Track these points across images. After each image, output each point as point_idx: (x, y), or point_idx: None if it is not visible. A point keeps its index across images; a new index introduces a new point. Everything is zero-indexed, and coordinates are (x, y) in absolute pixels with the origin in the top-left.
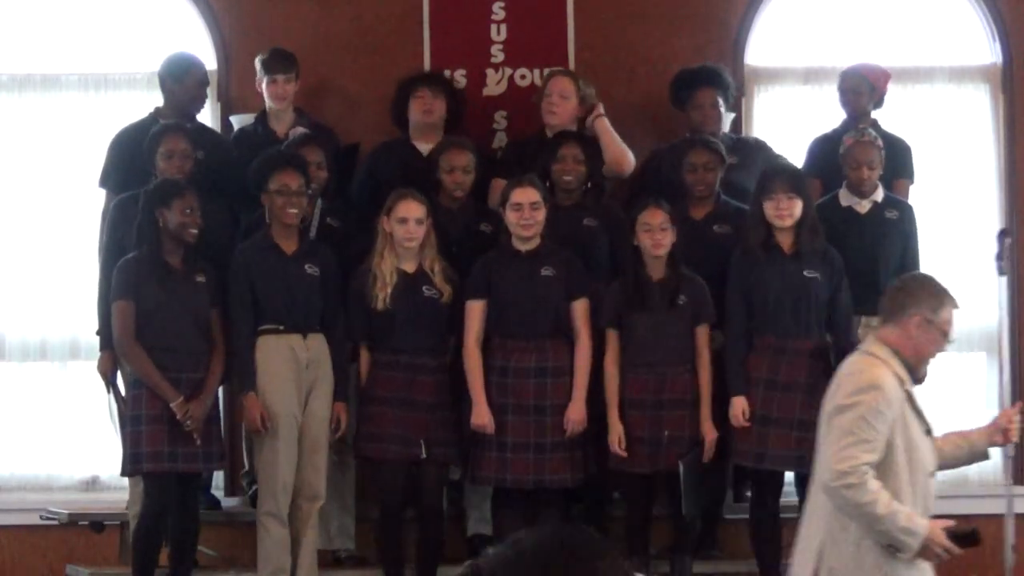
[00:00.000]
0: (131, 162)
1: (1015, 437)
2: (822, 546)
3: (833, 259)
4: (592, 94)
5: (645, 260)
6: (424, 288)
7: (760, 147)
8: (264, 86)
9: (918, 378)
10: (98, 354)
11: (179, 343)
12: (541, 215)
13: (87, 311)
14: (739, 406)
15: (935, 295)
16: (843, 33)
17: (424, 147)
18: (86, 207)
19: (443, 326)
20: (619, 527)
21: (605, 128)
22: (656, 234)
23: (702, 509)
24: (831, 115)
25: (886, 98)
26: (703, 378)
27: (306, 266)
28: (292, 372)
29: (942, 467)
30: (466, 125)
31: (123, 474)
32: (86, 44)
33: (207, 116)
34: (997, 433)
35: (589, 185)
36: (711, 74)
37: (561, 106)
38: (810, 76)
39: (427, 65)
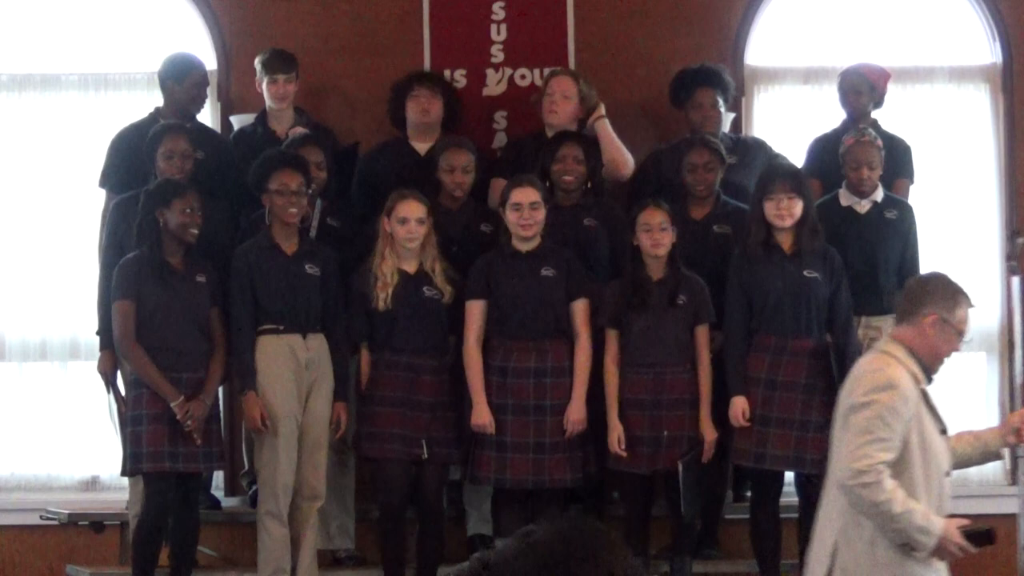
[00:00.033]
0: (131, 162)
1: None
2: (835, 545)
3: (833, 259)
4: (593, 95)
5: (645, 260)
6: (425, 288)
7: (760, 146)
8: (264, 86)
9: (933, 377)
10: (98, 354)
11: (179, 343)
12: (541, 215)
13: (87, 311)
14: (739, 406)
15: (951, 294)
16: (843, 33)
17: (421, 147)
18: (86, 207)
19: (444, 326)
20: (618, 527)
21: (606, 130)
22: (656, 234)
23: (701, 509)
24: (831, 115)
25: (886, 98)
26: (703, 378)
27: (306, 266)
28: (292, 372)
29: (956, 466)
30: (466, 125)
31: (123, 474)
32: (86, 44)
33: (207, 116)
34: (1010, 433)
35: (589, 185)
36: (711, 74)
37: (562, 105)
38: (810, 76)
39: (427, 65)
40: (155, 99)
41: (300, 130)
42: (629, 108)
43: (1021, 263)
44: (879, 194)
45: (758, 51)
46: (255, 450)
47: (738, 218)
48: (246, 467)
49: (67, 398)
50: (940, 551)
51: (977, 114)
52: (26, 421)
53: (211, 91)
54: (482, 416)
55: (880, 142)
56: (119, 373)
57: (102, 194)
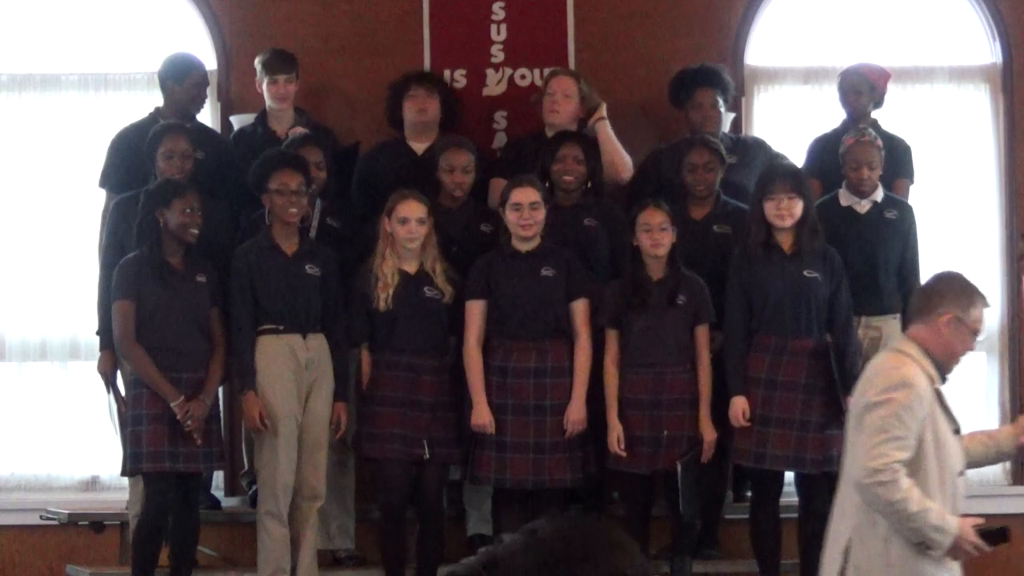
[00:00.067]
0: (131, 162)
1: None
2: (849, 543)
3: (833, 259)
4: (594, 95)
5: (645, 260)
6: (425, 288)
7: (759, 146)
8: (265, 86)
9: (947, 377)
10: (98, 354)
11: (179, 343)
12: (540, 215)
13: (87, 311)
14: (739, 406)
15: (966, 294)
16: (843, 33)
17: (419, 146)
18: (86, 207)
19: (444, 326)
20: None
21: (606, 132)
22: (655, 234)
23: (700, 509)
24: (831, 115)
25: (886, 98)
26: (702, 378)
27: (306, 266)
28: (292, 372)
29: (969, 466)
30: (466, 125)
31: (123, 474)
32: (86, 44)
33: (207, 116)
34: (1023, 433)
35: (589, 185)
36: (710, 74)
37: (564, 105)
38: (810, 76)
39: (427, 65)
40: (155, 99)
41: (300, 130)
42: (629, 108)
43: None
44: (879, 194)
45: (758, 51)
46: (255, 450)
47: (738, 218)
48: (246, 467)
49: (67, 398)
50: (955, 550)
51: (977, 114)
52: (26, 421)
53: (211, 91)
54: (482, 416)
55: (880, 142)
56: (119, 373)
57: (102, 194)
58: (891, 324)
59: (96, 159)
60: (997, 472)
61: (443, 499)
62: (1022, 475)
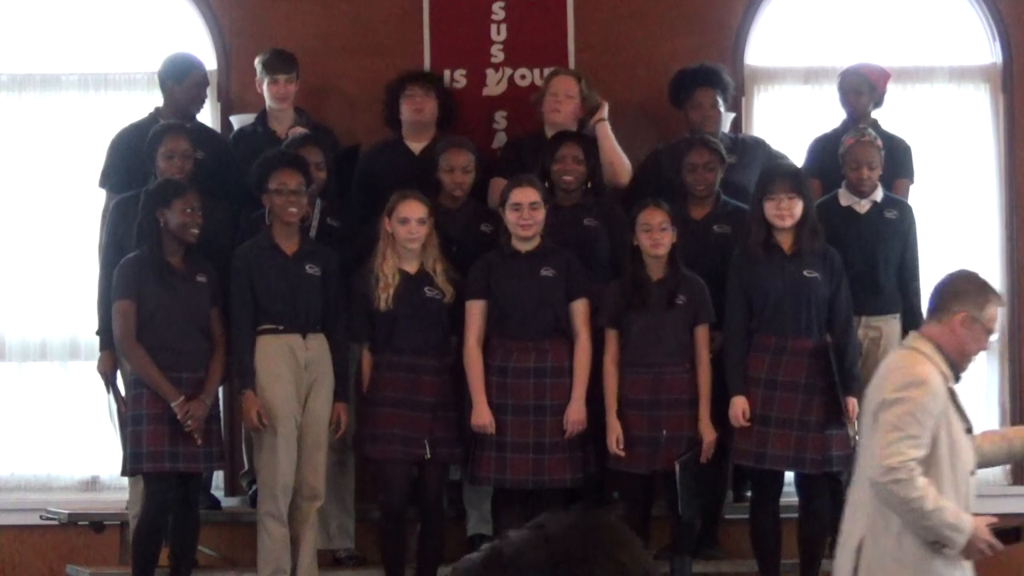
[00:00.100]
0: (131, 162)
1: None
2: (862, 542)
3: (833, 259)
4: (594, 95)
5: (644, 260)
6: (426, 288)
7: (759, 145)
8: (265, 86)
9: (960, 375)
10: (98, 354)
11: (180, 343)
12: (540, 215)
13: (87, 311)
14: (739, 406)
15: (981, 292)
16: (843, 33)
17: (416, 146)
18: (86, 207)
19: (445, 326)
20: None
21: (606, 135)
22: (655, 234)
23: (699, 509)
24: (831, 115)
25: (886, 98)
26: (702, 378)
27: (307, 266)
28: (291, 372)
29: (980, 466)
30: (466, 125)
31: (123, 474)
32: (86, 44)
33: (207, 116)
34: None
35: (589, 185)
36: (710, 73)
37: (566, 105)
38: (810, 76)
39: (427, 65)
40: (155, 99)
41: (300, 130)
42: (629, 108)
43: None
44: (879, 194)
45: (758, 51)
46: (255, 450)
47: (738, 218)
48: (246, 467)
49: (67, 398)
50: (969, 549)
51: (977, 114)
52: (26, 421)
53: (211, 91)
54: (482, 416)
55: (880, 142)
56: (119, 373)
57: (102, 194)
58: (891, 324)
59: (96, 159)
60: (997, 472)
61: (443, 499)
62: (1022, 475)
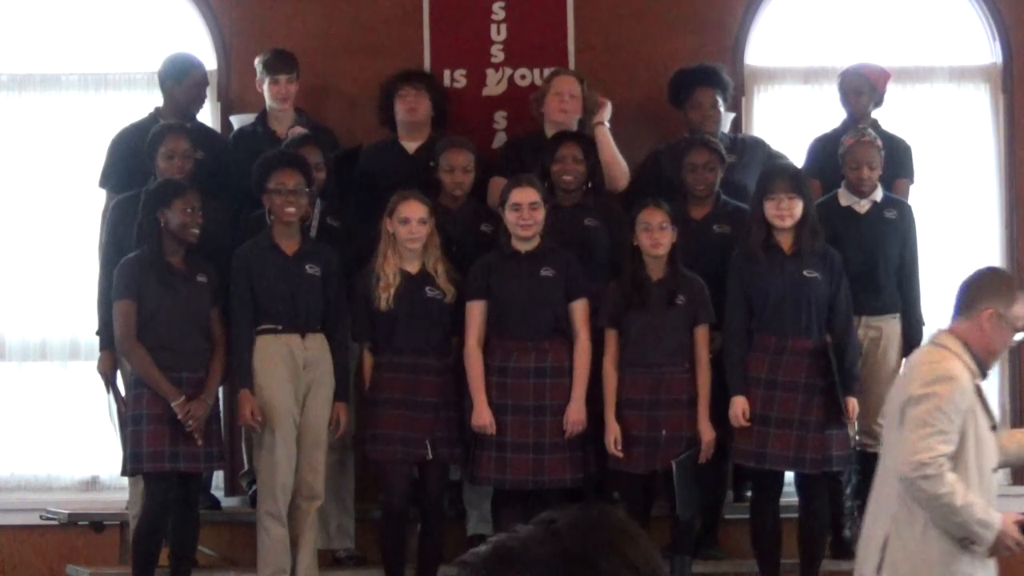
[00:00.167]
0: (131, 162)
1: None
2: (886, 539)
3: (833, 259)
4: (593, 95)
5: (644, 260)
6: (427, 289)
7: (758, 145)
8: (265, 87)
9: (986, 372)
10: (98, 354)
11: (180, 343)
12: (540, 215)
13: (87, 311)
14: (739, 406)
15: (1008, 289)
16: (843, 33)
17: (411, 145)
18: (86, 207)
19: (446, 326)
20: None
21: (605, 139)
22: (655, 233)
23: (697, 510)
24: (831, 115)
25: (886, 98)
26: (701, 378)
27: (307, 266)
28: (289, 372)
29: (1003, 464)
30: (466, 125)
31: (123, 474)
32: (86, 44)
33: (207, 116)
34: None
35: (589, 185)
36: (709, 73)
37: (571, 104)
38: (810, 76)
39: (427, 65)
40: (155, 99)
41: (299, 130)
42: (629, 108)
43: None
44: (878, 194)
45: (758, 51)
46: (254, 450)
47: (738, 218)
48: (246, 467)
49: (67, 398)
50: (996, 545)
51: (977, 114)
52: (26, 421)
53: (211, 91)
54: (482, 417)
55: (880, 142)
56: (119, 373)
57: (102, 194)
58: (891, 324)
59: (96, 159)
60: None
61: (444, 499)
62: (1022, 476)
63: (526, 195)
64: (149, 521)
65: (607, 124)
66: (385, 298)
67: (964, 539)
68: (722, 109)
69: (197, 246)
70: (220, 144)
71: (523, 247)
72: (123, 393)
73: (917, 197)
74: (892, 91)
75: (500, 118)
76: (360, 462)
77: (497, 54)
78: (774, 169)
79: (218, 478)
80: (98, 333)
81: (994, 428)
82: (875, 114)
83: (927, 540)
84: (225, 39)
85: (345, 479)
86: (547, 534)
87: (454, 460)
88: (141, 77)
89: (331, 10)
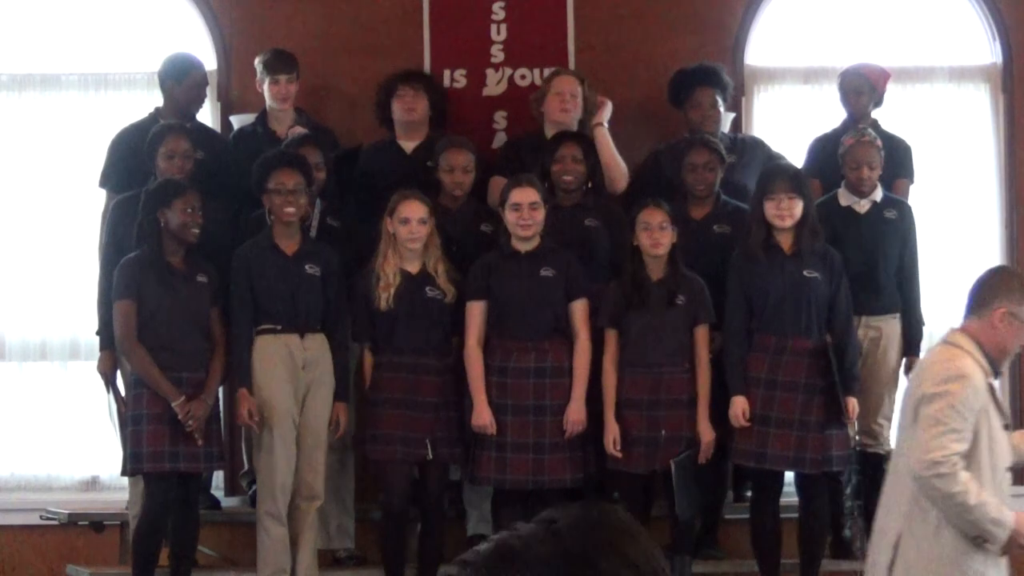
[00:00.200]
0: (131, 162)
1: None
2: (899, 537)
3: (833, 259)
4: (594, 95)
5: (644, 260)
6: (427, 288)
7: (758, 145)
8: (266, 87)
9: (999, 371)
10: (98, 354)
11: (180, 343)
12: (540, 215)
13: (87, 311)
14: (739, 406)
15: (1020, 289)
16: (843, 33)
17: (408, 145)
18: (86, 207)
19: (447, 326)
20: None
21: (604, 140)
22: (655, 233)
23: (696, 509)
24: (831, 115)
25: (886, 98)
26: (701, 378)
27: (307, 266)
28: (288, 372)
29: (1017, 463)
30: (466, 125)
31: (123, 474)
32: (86, 44)
33: (207, 116)
34: None
35: (589, 185)
36: (709, 73)
37: (573, 104)
38: (810, 76)
39: (427, 65)
40: (155, 99)
41: (299, 130)
42: (629, 108)
43: None
44: (878, 194)
45: (758, 51)
46: (253, 450)
47: (738, 218)
48: (246, 467)
49: (67, 398)
50: (1010, 544)
51: (977, 114)
52: (26, 421)
53: (211, 91)
54: (483, 417)
55: (880, 142)
56: (119, 373)
57: (102, 194)
58: (891, 324)
59: (96, 159)
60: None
61: (444, 499)
62: (1023, 476)
63: (526, 195)
64: (149, 521)
65: (606, 125)
66: (385, 298)
67: (977, 537)
68: (722, 109)
69: (197, 246)
70: (220, 144)
71: (523, 247)
72: (123, 393)
73: (917, 197)
74: (892, 91)
75: (500, 118)
76: (360, 462)
77: (497, 54)
78: (774, 169)
79: (218, 478)
80: (98, 333)
81: (1007, 427)
82: (875, 114)
83: (940, 538)
84: (225, 39)
85: (345, 479)
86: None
87: (454, 460)
88: (141, 77)
89: (331, 10)
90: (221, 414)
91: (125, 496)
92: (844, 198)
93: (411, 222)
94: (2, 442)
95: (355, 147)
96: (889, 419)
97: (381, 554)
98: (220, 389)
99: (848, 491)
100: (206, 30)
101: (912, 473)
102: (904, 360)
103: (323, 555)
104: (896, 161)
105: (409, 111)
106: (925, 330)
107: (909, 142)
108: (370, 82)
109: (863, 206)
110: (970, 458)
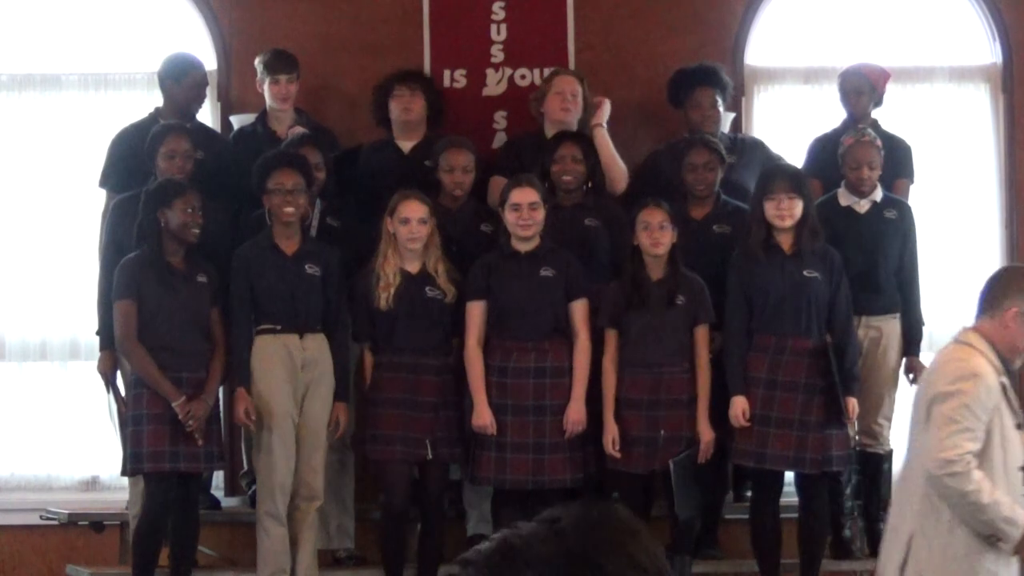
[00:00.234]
0: (131, 162)
1: None
2: (911, 536)
3: (833, 259)
4: (590, 96)
5: (644, 260)
6: (427, 288)
7: (757, 146)
8: (266, 87)
9: (1011, 370)
10: (98, 354)
11: (180, 343)
12: (540, 215)
13: (87, 311)
14: (739, 406)
15: None
16: (843, 33)
17: (406, 145)
18: (86, 207)
19: (447, 326)
20: None
21: (604, 141)
22: (655, 233)
23: (696, 509)
24: (831, 115)
25: (886, 98)
26: (701, 378)
27: (306, 266)
28: (287, 372)
29: None
30: (466, 125)
31: (123, 474)
32: (86, 44)
33: (207, 116)
34: None
35: (589, 185)
36: (709, 73)
37: (573, 104)
38: (810, 76)
39: (427, 65)
40: (155, 99)
41: (299, 130)
42: (629, 108)
43: None
44: (878, 194)
45: (758, 51)
46: (253, 450)
47: (738, 218)
48: (246, 467)
49: (67, 398)
50: (1022, 543)
51: (977, 114)
52: (26, 421)
53: (211, 91)
54: (483, 417)
55: (880, 142)
56: (119, 373)
57: (102, 194)
58: (891, 324)
59: (96, 159)
60: None
61: (444, 499)
62: None
63: (526, 195)
64: (149, 521)
65: (605, 126)
66: (385, 298)
67: (990, 536)
68: (722, 109)
69: (197, 246)
70: (220, 144)
71: (523, 247)
72: (123, 393)
73: (917, 197)
74: (892, 91)
75: (500, 118)
76: (360, 462)
77: (497, 54)
78: (774, 169)
79: (218, 478)
80: (98, 333)
81: (1020, 426)
82: (875, 114)
83: (952, 537)
84: (225, 39)
85: (345, 479)
86: (550, 532)
87: (454, 460)
88: (141, 77)
89: (331, 10)
90: (221, 414)
91: (125, 496)
92: (844, 198)
93: (411, 222)
94: (2, 442)
95: (355, 147)
96: (889, 419)
97: (381, 554)
98: (220, 389)
99: (848, 491)
100: (206, 30)
101: (925, 472)
102: (904, 360)
103: (323, 555)
104: (896, 161)
105: (406, 111)
106: (925, 330)
107: (909, 142)
108: (370, 82)
109: (863, 206)
110: (983, 457)
